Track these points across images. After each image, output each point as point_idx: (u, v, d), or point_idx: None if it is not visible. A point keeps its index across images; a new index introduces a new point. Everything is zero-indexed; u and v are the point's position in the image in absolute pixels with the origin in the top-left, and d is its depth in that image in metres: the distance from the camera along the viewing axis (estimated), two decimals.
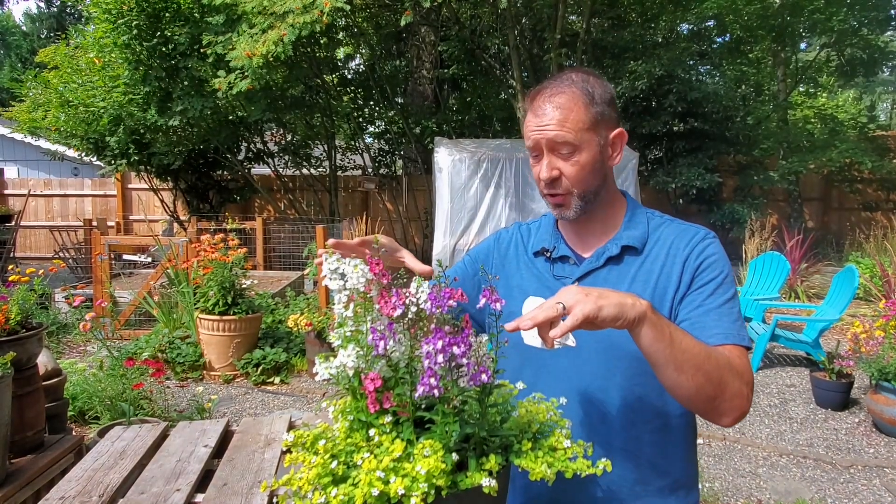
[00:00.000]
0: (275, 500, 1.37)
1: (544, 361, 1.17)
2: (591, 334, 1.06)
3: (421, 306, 0.88)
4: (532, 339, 1.00)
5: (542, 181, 1.13)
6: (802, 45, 13.09)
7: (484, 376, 0.87)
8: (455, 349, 0.84)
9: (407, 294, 0.90)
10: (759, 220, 8.40)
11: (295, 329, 5.44)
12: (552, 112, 1.10)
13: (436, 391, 0.83)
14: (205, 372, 5.20)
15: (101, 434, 2.18)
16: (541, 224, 1.30)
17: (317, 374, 0.93)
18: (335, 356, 0.93)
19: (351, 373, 0.91)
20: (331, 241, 1.05)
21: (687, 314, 1.09)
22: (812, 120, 12.51)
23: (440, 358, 0.84)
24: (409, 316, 0.89)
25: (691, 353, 0.97)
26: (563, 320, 0.91)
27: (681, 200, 10.37)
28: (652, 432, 1.13)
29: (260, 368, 5.12)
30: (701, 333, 1.04)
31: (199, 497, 1.48)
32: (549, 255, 1.21)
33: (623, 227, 1.18)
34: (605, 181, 1.16)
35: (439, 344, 0.83)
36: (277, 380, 5.14)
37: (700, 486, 3.31)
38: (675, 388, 1.01)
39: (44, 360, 2.91)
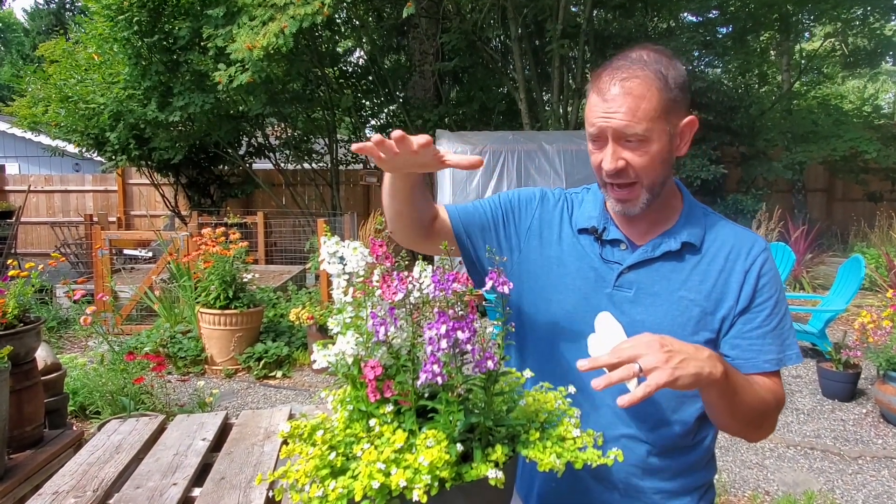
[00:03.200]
0: (271, 493, 1.34)
1: (577, 340, 1.10)
2: (638, 324, 1.06)
3: (424, 290, 0.84)
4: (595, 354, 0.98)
5: (605, 171, 1.04)
6: (807, 35, 12.99)
7: (490, 363, 0.83)
8: (459, 334, 0.80)
9: (409, 277, 0.86)
10: (768, 210, 8.33)
11: (297, 323, 5.42)
12: (622, 98, 0.99)
13: (439, 379, 0.79)
14: (206, 366, 5.18)
15: (101, 429, 2.16)
16: (584, 199, 1.19)
17: (314, 362, 0.89)
18: (334, 343, 0.89)
19: (350, 360, 0.87)
20: (395, 133, 0.90)
21: (746, 333, 1.06)
22: (816, 110, 12.42)
23: (444, 344, 0.80)
24: (412, 300, 0.85)
25: (748, 406, 1.00)
26: (639, 380, 0.88)
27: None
28: (679, 430, 1.09)
29: (262, 362, 5.09)
30: (757, 356, 1.06)
31: (197, 491, 1.44)
32: (599, 235, 1.12)
33: (682, 220, 1.11)
34: (670, 172, 1.08)
35: (443, 329, 0.79)
36: (279, 374, 5.11)
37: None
38: (721, 425, 1.07)
39: (43, 355, 2.89)
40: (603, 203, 1.15)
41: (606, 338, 1.02)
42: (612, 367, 0.88)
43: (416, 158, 0.94)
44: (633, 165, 1.02)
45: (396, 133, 0.90)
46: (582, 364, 0.89)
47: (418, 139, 0.90)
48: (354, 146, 0.96)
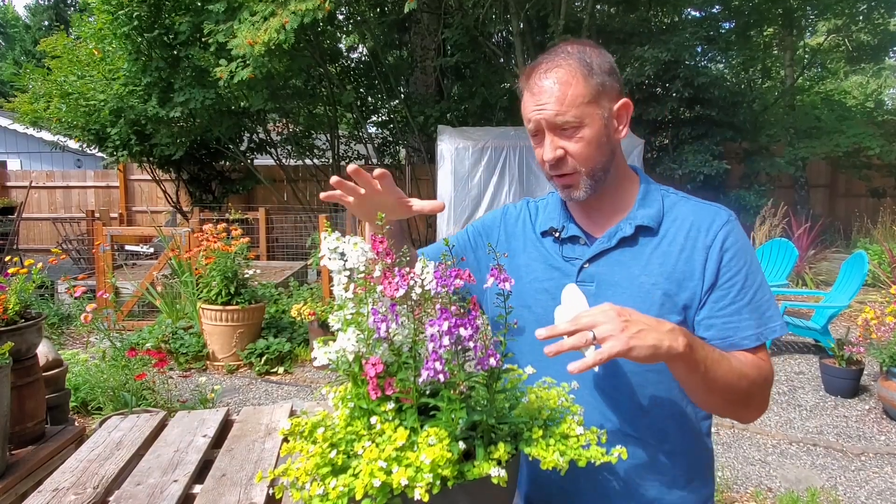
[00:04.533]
0: (271, 491, 1.33)
1: (550, 343, 1.11)
2: None
3: (426, 286, 0.83)
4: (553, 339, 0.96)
5: (546, 163, 1.07)
6: (810, 30, 12.93)
7: (492, 360, 0.82)
8: (461, 331, 0.79)
9: (411, 274, 0.85)
10: (773, 206, 8.31)
11: (298, 319, 5.42)
12: (550, 88, 1.03)
13: (441, 376, 0.78)
14: (208, 362, 5.18)
15: (102, 425, 2.16)
16: (548, 202, 1.23)
17: (315, 359, 0.88)
18: (335, 340, 0.88)
19: (351, 357, 0.86)
20: (350, 166, 0.99)
21: (718, 311, 1.04)
22: (819, 106, 12.38)
23: (445, 341, 0.79)
24: (413, 297, 0.84)
25: (723, 379, 0.97)
26: (595, 347, 0.87)
27: (688, 187, 10.29)
28: (666, 419, 1.08)
29: (263, 358, 5.09)
30: (734, 334, 1.03)
31: (197, 488, 1.44)
32: (557, 235, 1.15)
33: (636, 205, 1.12)
34: (613, 156, 1.09)
35: (445, 326, 0.78)
36: (281, 370, 5.12)
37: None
38: (703, 404, 1.04)
39: (44, 351, 2.88)
40: (563, 201, 1.17)
41: (570, 308, 1.03)
42: (571, 336, 0.88)
43: (382, 199, 1.01)
44: (571, 153, 1.05)
45: (351, 167, 0.98)
46: (540, 333, 0.89)
47: (375, 172, 0.98)
48: (323, 195, 1.04)
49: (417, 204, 1.04)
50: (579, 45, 1.08)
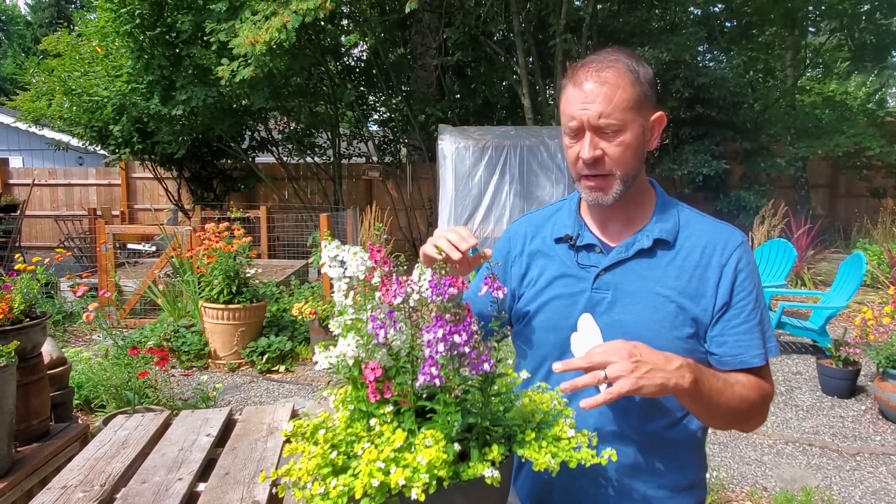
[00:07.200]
0: (274, 490, 1.37)
1: (557, 355, 1.15)
2: (616, 325, 1.09)
3: (422, 294, 0.87)
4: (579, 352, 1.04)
5: (582, 161, 1.07)
6: (812, 29, 12.91)
7: (486, 365, 0.85)
8: (456, 338, 0.82)
9: (408, 281, 0.88)
10: (772, 206, 8.32)
11: (299, 317, 5.45)
12: (599, 87, 1.04)
13: (437, 380, 0.82)
14: (210, 360, 5.21)
15: (106, 422, 2.19)
16: (560, 209, 1.24)
17: (317, 363, 0.92)
18: (335, 345, 0.91)
19: (351, 362, 0.89)
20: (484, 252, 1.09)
21: (731, 330, 1.09)
22: (820, 106, 12.38)
23: (441, 346, 0.82)
24: (411, 304, 0.87)
25: (727, 405, 1.03)
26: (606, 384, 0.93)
27: (687, 188, 10.30)
28: (667, 426, 1.12)
29: (265, 357, 5.13)
30: (745, 352, 1.08)
31: (201, 486, 1.47)
32: (573, 242, 1.17)
33: (654, 218, 1.14)
34: (642, 166, 1.12)
35: (440, 332, 0.82)
36: (282, 368, 5.15)
37: (706, 474, 3.31)
38: (705, 423, 1.12)
39: (48, 349, 2.91)
40: (577, 211, 1.20)
41: (585, 339, 1.08)
42: (584, 370, 0.93)
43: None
44: (609, 155, 1.06)
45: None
46: (557, 367, 0.95)
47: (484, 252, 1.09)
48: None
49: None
50: (626, 53, 1.09)
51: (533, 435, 0.89)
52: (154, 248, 9.12)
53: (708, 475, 3.30)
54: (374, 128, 12.87)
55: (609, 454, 0.88)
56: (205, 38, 7.90)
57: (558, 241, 1.19)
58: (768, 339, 1.10)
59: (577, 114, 1.06)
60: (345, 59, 12.01)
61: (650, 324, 1.07)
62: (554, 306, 1.15)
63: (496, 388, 0.92)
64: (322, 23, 8.47)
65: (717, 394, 1.01)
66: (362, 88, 11.81)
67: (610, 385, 0.91)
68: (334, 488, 0.80)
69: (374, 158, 12.22)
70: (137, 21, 8.01)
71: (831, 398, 4.46)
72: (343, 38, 11.66)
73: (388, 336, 0.86)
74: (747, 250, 1.12)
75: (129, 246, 9.12)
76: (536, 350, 1.18)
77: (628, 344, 0.94)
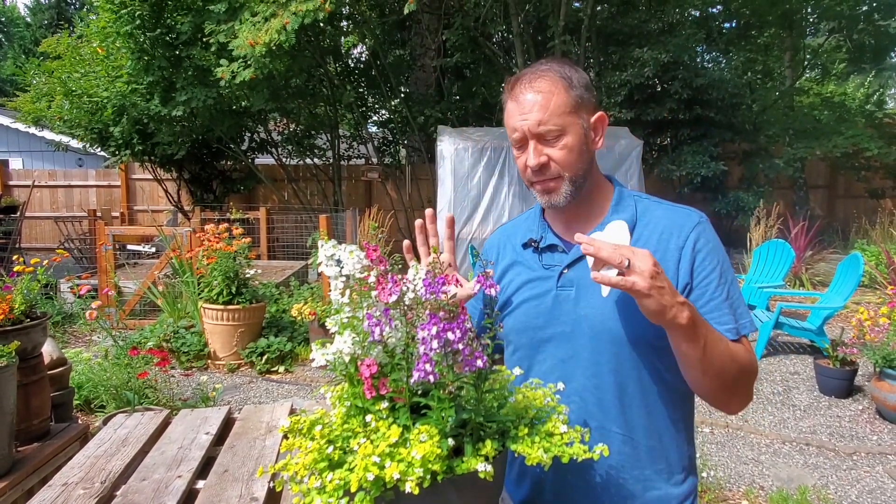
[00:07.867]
0: (271, 484, 1.38)
1: (536, 347, 1.18)
2: (582, 319, 1.12)
3: (417, 292, 0.88)
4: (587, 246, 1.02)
5: (529, 169, 1.13)
6: (810, 31, 12.94)
7: (479, 362, 0.87)
8: (450, 335, 0.84)
9: (403, 280, 0.90)
10: (766, 207, 8.35)
11: (299, 318, 5.46)
12: (535, 97, 1.10)
13: (431, 377, 0.83)
14: (209, 361, 5.23)
15: (106, 422, 2.20)
16: (527, 216, 1.31)
17: (314, 360, 0.93)
18: (332, 342, 0.93)
19: (347, 359, 0.91)
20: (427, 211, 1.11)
21: (699, 310, 1.08)
22: (818, 107, 12.40)
23: (435, 344, 0.84)
24: (406, 302, 0.89)
25: (720, 359, 1.03)
26: (623, 268, 0.95)
27: (686, 189, 10.32)
28: (646, 416, 1.13)
29: (264, 357, 5.14)
30: (717, 329, 1.08)
31: (201, 483, 1.49)
32: (536, 245, 1.22)
33: (611, 211, 1.19)
34: (591, 165, 1.17)
35: (433, 330, 0.83)
36: (282, 369, 5.17)
37: (703, 473, 3.32)
38: (695, 384, 1.09)
39: (49, 350, 2.93)
40: (541, 213, 1.25)
41: (612, 238, 1.12)
42: (602, 259, 0.96)
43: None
44: (554, 159, 1.12)
45: (428, 212, 1.17)
46: (580, 237, 0.98)
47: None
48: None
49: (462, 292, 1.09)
50: (558, 62, 1.16)
51: (526, 430, 0.90)
52: (154, 250, 9.14)
53: (705, 474, 3.33)
54: (374, 129, 12.89)
55: (601, 449, 0.90)
56: (204, 40, 7.93)
57: (525, 246, 1.25)
58: (740, 315, 1.10)
59: (517, 125, 1.12)
60: (344, 60, 12.04)
61: (615, 314, 1.10)
62: (524, 308, 1.20)
63: (490, 384, 0.94)
64: (321, 24, 8.49)
65: (712, 343, 1.02)
66: (362, 90, 11.83)
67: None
68: (330, 482, 0.81)
69: (374, 160, 12.24)
70: (138, 22, 8.04)
71: (828, 398, 4.47)
72: (342, 40, 11.68)
73: (384, 333, 0.87)
74: (706, 230, 1.14)
75: (129, 247, 9.13)
76: (519, 352, 1.23)
77: (654, 258, 0.97)
